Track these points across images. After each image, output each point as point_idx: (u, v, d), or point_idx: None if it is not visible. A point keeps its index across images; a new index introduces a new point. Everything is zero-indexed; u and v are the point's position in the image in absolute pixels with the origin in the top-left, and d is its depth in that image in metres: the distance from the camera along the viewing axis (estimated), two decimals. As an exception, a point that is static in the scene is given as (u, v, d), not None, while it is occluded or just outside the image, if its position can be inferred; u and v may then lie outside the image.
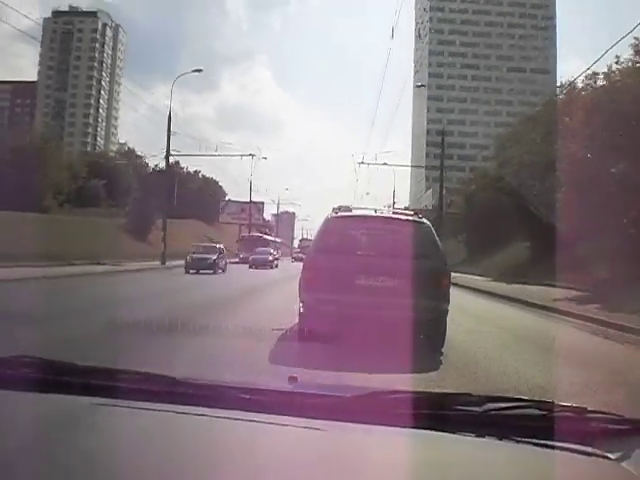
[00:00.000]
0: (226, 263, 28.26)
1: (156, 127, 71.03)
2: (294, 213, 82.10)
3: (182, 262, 27.02)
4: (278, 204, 68.03)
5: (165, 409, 1.34)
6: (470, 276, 24.73)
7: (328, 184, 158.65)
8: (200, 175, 67.19)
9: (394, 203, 49.45)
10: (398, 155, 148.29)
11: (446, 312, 6.75)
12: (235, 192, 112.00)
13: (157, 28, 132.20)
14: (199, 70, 32.42)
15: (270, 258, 32.42)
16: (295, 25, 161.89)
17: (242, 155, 41.16)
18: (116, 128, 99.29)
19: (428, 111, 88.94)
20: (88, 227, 32.33)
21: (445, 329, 6.74)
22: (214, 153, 38.17)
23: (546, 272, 16.81)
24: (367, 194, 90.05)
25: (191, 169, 64.30)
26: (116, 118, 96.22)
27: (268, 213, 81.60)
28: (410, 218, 7.42)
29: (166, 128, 29.96)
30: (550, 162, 19.02)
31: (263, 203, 60.29)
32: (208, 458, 1.14)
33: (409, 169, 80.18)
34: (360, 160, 38.47)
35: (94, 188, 48.20)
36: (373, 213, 8.28)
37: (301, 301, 6.85)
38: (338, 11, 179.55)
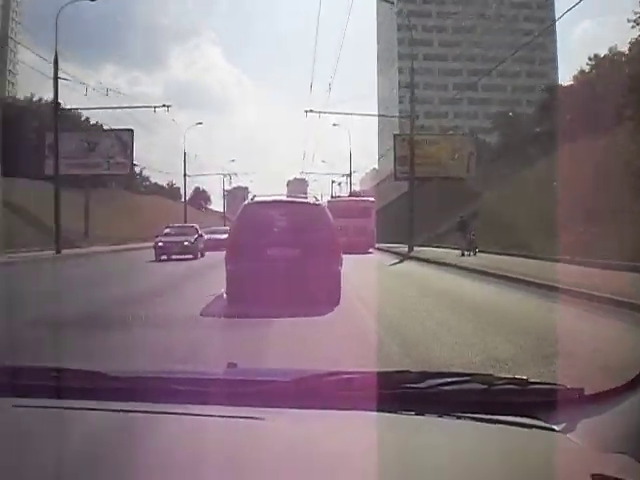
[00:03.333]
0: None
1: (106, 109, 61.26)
2: (247, 188, 79.27)
3: (89, 250, 23.23)
4: (223, 178, 66.88)
5: (93, 406, 1.29)
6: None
7: (281, 160, 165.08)
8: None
9: (351, 175, 52.17)
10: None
11: (338, 273, 8.83)
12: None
13: (102, 6, 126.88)
14: None
15: (186, 243, 22.80)
16: (243, 0, 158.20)
17: (155, 107, 32.98)
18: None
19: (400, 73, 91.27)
20: None
21: (339, 286, 8.74)
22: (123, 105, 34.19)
23: None
24: (323, 162, 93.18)
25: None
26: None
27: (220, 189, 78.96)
28: (309, 201, 10.03)
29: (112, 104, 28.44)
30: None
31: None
32: (139, 455, 1.11)
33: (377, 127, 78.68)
34: (308, 109, 34.04)
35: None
36: (280, 198, 10.66)
37: (226, 270, 8.69)
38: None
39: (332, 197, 55.36)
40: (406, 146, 31.74)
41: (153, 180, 70.37)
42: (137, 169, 53.47)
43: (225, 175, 65.70)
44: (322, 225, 9.15)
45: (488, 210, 24.87)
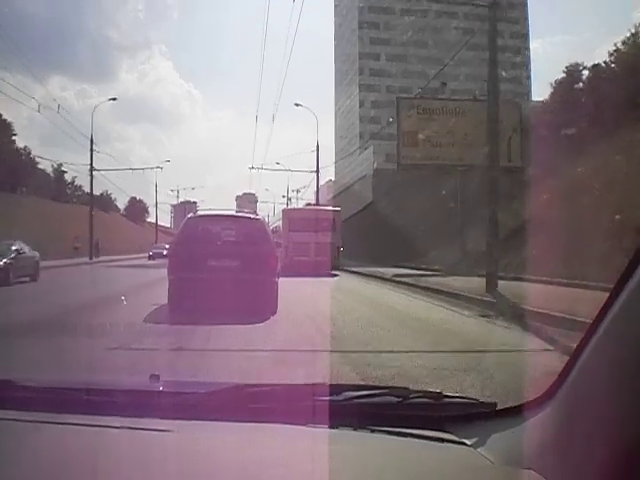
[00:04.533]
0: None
1: (51, 121, 67.70)
2: (195, 202, 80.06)
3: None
4: (177, 194, 70.93)
5: (5, 417, 1.31)
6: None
7: (230, 176, 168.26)
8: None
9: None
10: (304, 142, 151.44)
11: (275, 283, 9.57)
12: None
13: (51, 17, 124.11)
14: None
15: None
16: (195, 14, 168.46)
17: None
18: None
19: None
20: None
21: (276, 295, 9.46)
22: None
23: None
24: (266, 190, 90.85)
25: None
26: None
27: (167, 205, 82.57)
28: (248, 215, 10.72)
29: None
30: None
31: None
32: (46, 468, 1.13)
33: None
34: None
35: None
36: (221, 212, 11.25)
37: (168, 280, 9.35)
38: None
39: (287, 206, 47.60)
40: (415, 117, 23.28)
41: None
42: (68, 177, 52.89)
43: (173, 190, 67.66)
44: (260, 238, 9.86)
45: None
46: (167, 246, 25.94)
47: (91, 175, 38.07)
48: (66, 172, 53.24)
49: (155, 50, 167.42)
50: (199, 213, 10.97)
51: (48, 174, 57.10)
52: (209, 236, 9.89)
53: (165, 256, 21.68)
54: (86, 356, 5.51)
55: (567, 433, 1.08)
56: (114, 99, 59.68)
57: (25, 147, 43.83)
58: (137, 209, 76.98)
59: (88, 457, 1.19)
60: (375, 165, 70.55)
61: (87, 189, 63.99)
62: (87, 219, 39.54)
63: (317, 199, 39.07)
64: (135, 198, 75.80)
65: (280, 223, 28.75)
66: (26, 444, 1.22)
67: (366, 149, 75.25)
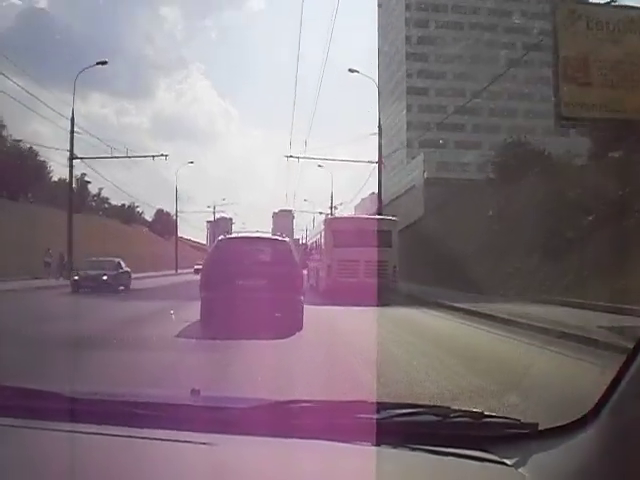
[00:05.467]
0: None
1: (90, 136, 61.23)
2: (231, 219, 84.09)
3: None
4: (214, 210, 70.96)
5: (51, 427, 1.37)
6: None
7: (266, 193, 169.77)
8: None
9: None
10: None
11: (300, 301, 10.57)
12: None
13: (89, 36, 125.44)
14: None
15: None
16: (232, 33, 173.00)
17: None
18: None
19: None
20: None
21: (302, 312, 10.44)
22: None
23: None
24: (305, 200, 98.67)
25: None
26: None
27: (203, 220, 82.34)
28: (275, 238, 11.73)
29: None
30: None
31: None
32: (90, 476, 1.20)
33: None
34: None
35: None
36: (251, 235, 12.37)
37: (200, 297, 10.53)
38: (277, 17, 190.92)
39: (331, 214, 40.80)
40: (585, 35, 14.20)
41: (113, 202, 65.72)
42: (94, 189, 52.49)
43: (209, 206, 67.86)
44: (286, 259, 10.76)
45: None
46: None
47: (71, 165, 32.62)
48: (90, 182, 50.77)
49: (193, 69, 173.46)
50: (229, 235, 12.21)
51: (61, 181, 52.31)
52: (238, 257, 10.73)
53: None
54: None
55: (610, 455, 1.10)
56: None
57: (30, 148, 39.25)
58: (163, 222, 70.99)
59: (129, 468, 1.24)
60: (426, 174, 63.92)
61: (114, 202, 60.85)
62: (104, 231, 37.37)
63: (380, 204, 31.36)
64: (162, 210, 69.98)
65: (321, 236, 23.16)
66: (69, 454, 1.29)
67: (414, 158, 68.44)
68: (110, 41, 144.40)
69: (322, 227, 23.39)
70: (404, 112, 74.11)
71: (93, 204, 64.80)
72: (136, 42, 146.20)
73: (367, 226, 20.72)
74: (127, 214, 61.21)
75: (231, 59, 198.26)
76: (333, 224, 22.06)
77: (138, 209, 69.59)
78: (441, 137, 66.36)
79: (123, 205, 62.12)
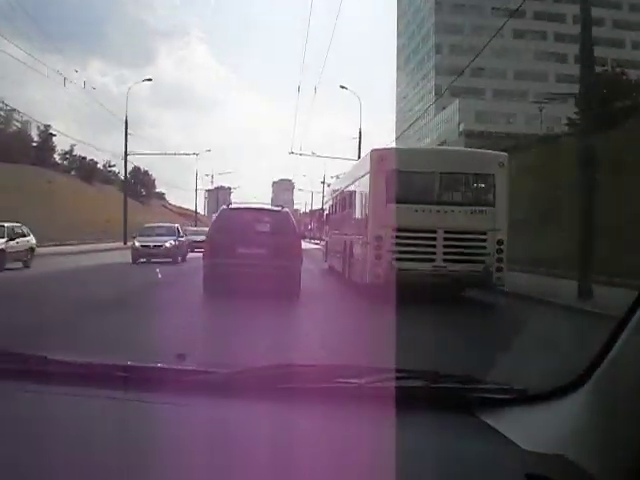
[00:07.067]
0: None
1: (90, 106, 58.75)
2: (229, 188, 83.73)
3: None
4: (212, 178, 68.23)
5: (34, 390, 1.43)
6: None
7: (265, 161, 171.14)
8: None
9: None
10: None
11: (298, 268, 11.31)
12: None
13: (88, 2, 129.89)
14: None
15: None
16: None
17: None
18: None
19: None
20: None
21: (299, 279, 11.27)
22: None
23: None
24: (304, 176, 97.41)
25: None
26: None
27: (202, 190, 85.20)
28: (276, 209, 12.38)
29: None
30: None
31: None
32: (78, 439, 1.24)
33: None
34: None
35: None
36: (252, 206, 13.12)
37: (203, 265, 11.52)
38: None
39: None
40: None
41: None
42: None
43: (207, 175, 66.81)
44: (286, 229, 11.52)
45: None
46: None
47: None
48: (54, 135, 52.32)
49: (193, 35, 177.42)
50: (232, 206, 12.75)
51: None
52: (240, 226, 11.38)
53: None
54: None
55: (600, 419, 1.12)
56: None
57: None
58: (139, 182, 59.71)
59: (114, 428, 1.29)
60: (462, 127, 52.51)
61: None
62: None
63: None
64: (139, 168, 58.82)
65: (357, 189, 14.08)
66: (56, 416, 1.33)
67: (444, 108, 56.80)
68: (110, 7, 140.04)
69: (363, 171, 13.07)
70: (432, 53, 61.98)
71: (65, 163, 62.59)
72: (135, 8, 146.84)
73: (451, 166, 11.75)
74: (87, 170, 50.45)
75: (231, 25, 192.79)
76: (388, 161, 11.62)
77: (114, 168, 60.17)
78: (477, 85, 55.72)
79: (84, 158, 51.05)
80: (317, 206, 70.17)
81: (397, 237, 11.17)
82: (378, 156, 11.94)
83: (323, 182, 53.66)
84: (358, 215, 13.54)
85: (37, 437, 1.19)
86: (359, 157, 30.04)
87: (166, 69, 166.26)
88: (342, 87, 34.05)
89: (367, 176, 12.06)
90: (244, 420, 1.33)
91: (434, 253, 11.13)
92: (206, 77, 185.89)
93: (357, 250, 12.94)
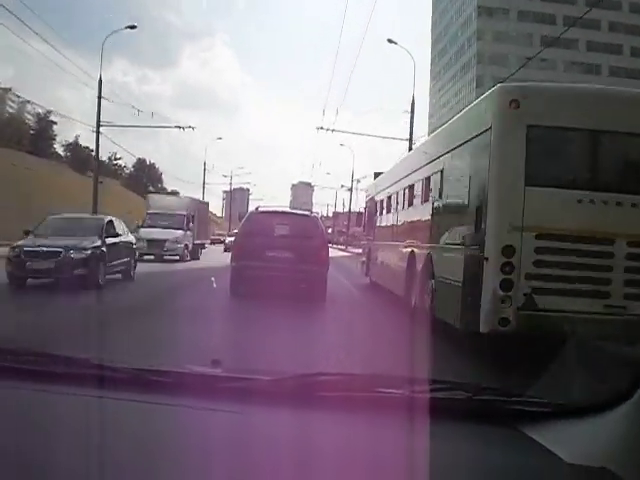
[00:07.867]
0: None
1: (115, 103, 59.47)
2: (248, 190, 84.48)
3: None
4: (231, 179, 68.88)
5: (77, 392, 1.44)
6: None
7: (285, 164, 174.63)
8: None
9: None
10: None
11: (324, 273, 11.84)
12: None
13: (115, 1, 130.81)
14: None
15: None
16: (260, 3, 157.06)
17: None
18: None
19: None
20: None
21: (325, 284, 11.85)
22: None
23: None
24: (328, 174, 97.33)
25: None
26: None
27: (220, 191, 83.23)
28: (305, 213, 13.31)
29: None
30: None
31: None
32: (122, 443, 1.25)
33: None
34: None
35: None
36: (282, 209, 13.47)
37: (231, 266, 12.12)
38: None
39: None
40: None
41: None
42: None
43: (226, 175, 66.30)
44: (314, 234, 11.97)
45: None
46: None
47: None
48: (55, 123, 50.67)
49: (218, 38, 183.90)
50: (261, 209, 12.97)
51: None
52: (269, 230, 11.80)
53: None
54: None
55: None
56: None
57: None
58: (147, 177, 54.76)
59: (148, 433, 1.29)
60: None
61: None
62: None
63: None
64: (144, 160, 53.81)
65: (450, 160, 8.18)
66: (86, 418, 1.31)
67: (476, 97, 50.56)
68: (134, 8, 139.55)
69: (471, 129, 7.18)
70: (473, 39, 55.93)
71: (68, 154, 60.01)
72: (161, 9, 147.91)
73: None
74: (82, 162, 45.56)
75: (257, 29, 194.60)
76: (532, 107, 6.12)
77: (120, 161, 55.72)
78: (523, 76, 49.77)
79: (87, 148, 46.25)
80: (340, 209, 66.33)
81: (543, 250, 6.18)
82: (512, 96, 6.23)
83: (352, 179, 48.84)
84: (452, 211, 8.20)
85: (67, 438, 1.19)
86: (410, 148, 24.37)
87: (189, 71, 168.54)
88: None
89: (484, 137, 6.61)
90: (287, 427, 1.34)
91: (608, 282, 6.20)
92: (229, 80, 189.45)
93: (448, 269, 7.75)
